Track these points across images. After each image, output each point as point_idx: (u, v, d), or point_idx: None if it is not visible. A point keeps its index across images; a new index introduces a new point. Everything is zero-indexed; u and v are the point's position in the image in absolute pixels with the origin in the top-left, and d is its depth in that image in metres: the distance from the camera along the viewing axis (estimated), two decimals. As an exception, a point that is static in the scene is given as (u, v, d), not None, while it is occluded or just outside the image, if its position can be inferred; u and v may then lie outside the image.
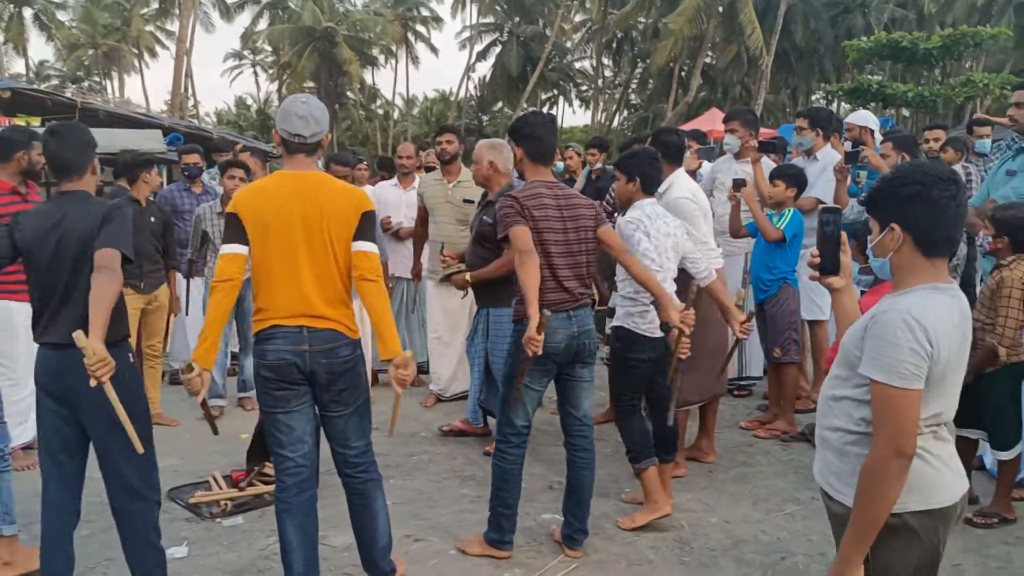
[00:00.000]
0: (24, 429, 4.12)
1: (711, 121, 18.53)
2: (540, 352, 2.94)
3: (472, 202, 5.51)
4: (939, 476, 1.88)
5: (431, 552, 3.41)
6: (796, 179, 4.87)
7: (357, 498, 2.94)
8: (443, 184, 5.51)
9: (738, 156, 5.40)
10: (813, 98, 39.28)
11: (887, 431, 1.78)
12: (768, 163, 5.38)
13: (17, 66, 43.65)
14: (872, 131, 5.63)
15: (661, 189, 4.04)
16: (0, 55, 38.25)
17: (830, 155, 5.29)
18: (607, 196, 6.19)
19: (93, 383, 2.43)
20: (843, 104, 27.61)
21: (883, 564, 1.88)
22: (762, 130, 6.84)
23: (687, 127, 12.79)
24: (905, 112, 27.92)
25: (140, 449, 2.64)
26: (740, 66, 35.86)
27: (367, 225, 2.80)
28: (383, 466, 3.21)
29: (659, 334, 3.55)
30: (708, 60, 36.49)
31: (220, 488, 4.02)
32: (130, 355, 2.88)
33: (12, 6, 41.31)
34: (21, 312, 3.83)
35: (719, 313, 3.83)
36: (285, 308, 2.71)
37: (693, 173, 5.31)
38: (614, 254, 3.36)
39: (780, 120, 32.10)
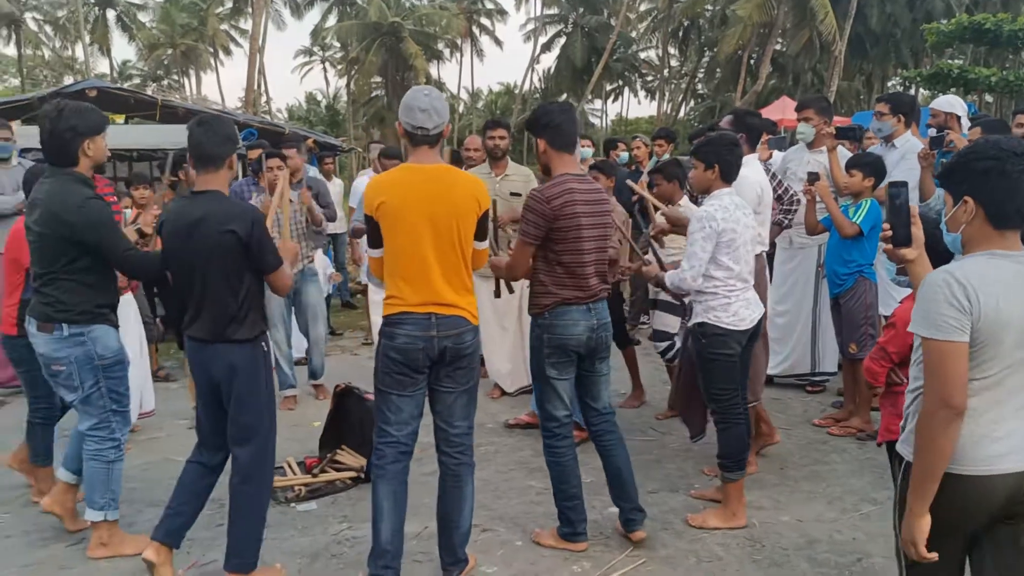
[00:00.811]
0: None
1: (781, 110, 18.08)
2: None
3: (519, 195, 5.52)
4: (976, 441, 1.89)
5: (498, 542, 3.44)
6: (874, 168, 4.69)
7: (450, 479, 3.03)
8: (491, 178, 5.54)
9: (811, 145, 5.25)
10: (889, 84, 37.93)
11: (933, 383, 1.87)
12: (844, 152, 5.22)
13: (102, 66, 45.63)
14: (959, 117, 5.39)
15: None
16: (87, 55, 39.92)
17: (910, 143, 5.09)
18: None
19: None
20: (922, 90, 26.55)
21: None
22: (835, 118, 6.63)
23: (757, 116, 12.42)
24: (988, 98, 26.73)
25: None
26: (812, 52, 34.86)
27: (484, 223, 2.96)
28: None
29: (744, 326, 3.47)
30: (778, 47, 35.55)
31: (294, 474, 4.14)
32: (264, 345, 3.06)
33: (97, 8, 43.12)
34: (125, 301, 4.06)
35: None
36: (415, 296, 2.84)
37: (763, 163, 5.18)
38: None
39: (853, 108, 31.13)
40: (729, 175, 3.54)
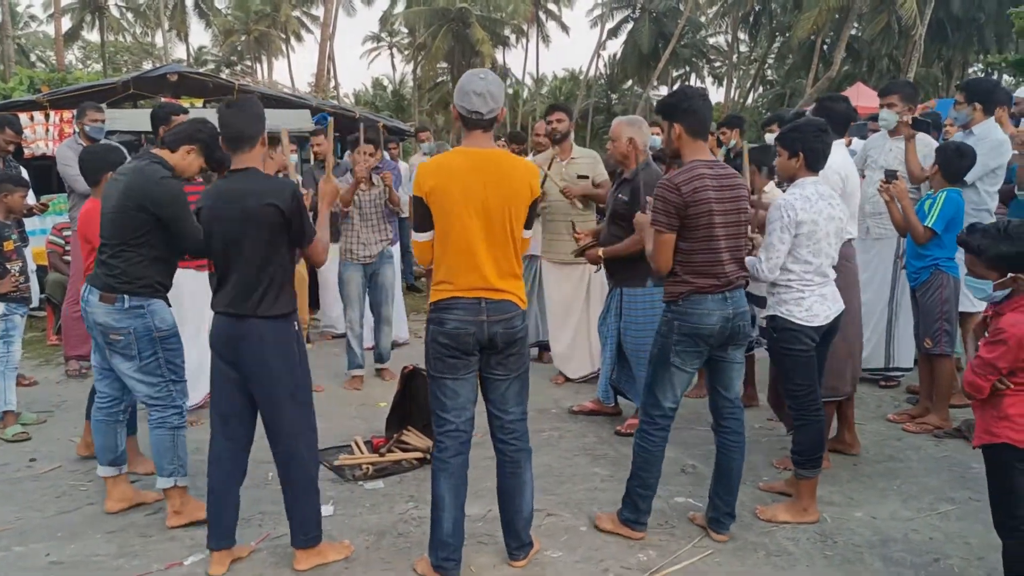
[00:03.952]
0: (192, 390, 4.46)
1: (855, 96, 17.41)
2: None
3: (587, 178, 5.48)
4: None
5: (562, 527, 3.43)
6: (940, 155, 4.47)
7: (508, 466, 3.02)
8: (557, 162, 5.51)
9: (892, 133, 5.06)
10: (970, 71, 36.28)
11: None
12: (928, 141, 5.01)
13: (179, 51, 47.06)
14: None
15: None
16: (165, 41, 41.21)
17: (990, 130, 4.86)
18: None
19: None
20: (1006, 77, 25.32)
21: None
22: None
23: (832, 103, 12.03)
24: (1081, 85, 25.29)
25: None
26: (890, 37, 33.58)
27: (533, 211, 2.93)
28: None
29: (818, 322, 3.36)
30: (853, 32, 34.33)
31: (362, 452, 4.21)
32: (296, 324, 3.08)
33: (176, -6, 44.45)
34: (185, 277, 4.15)
35: (857, 313, 3.87)
36: (465, 281, 2.82)
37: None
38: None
39: (931, 95, 29.84)
40: (815, 163, 3.40)
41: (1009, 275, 2.60)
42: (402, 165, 8.97)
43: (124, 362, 3.38)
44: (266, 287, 2.93)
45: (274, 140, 5.49)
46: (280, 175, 4.81)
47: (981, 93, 4.99)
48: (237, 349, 2.97)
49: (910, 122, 4.82)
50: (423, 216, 2.86)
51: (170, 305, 3.48)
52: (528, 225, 2.93)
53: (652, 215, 3.11)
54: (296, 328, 3.06)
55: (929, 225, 4.36)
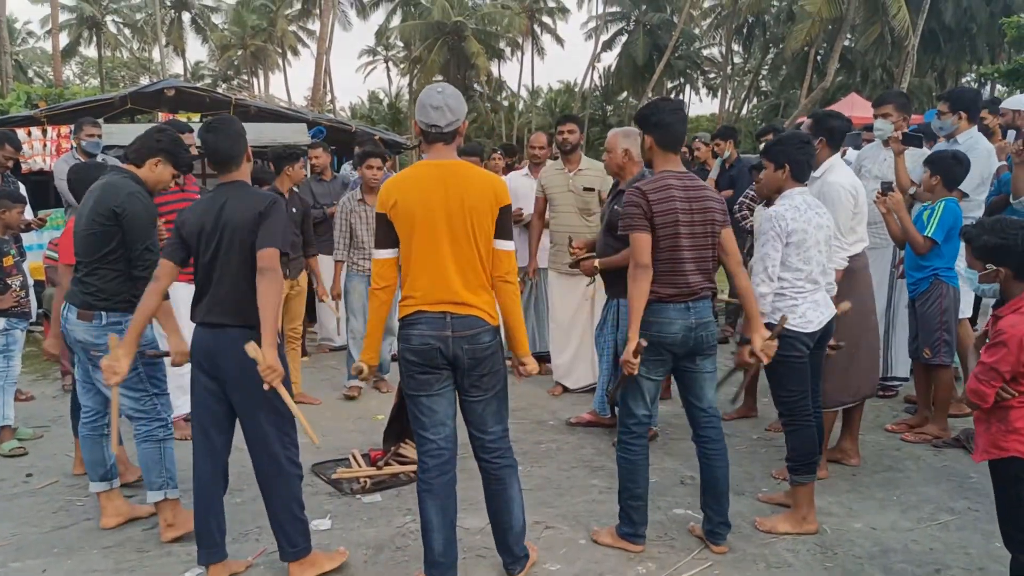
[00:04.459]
0: (186, 401, 4.44)
1: (850, 107, 17.51)
2: (636, 373, 3.10)
3: (592, 190, 5.50)
4: None
5: (562, 540, 3.42)
6: (939, 165, 4.49)
7: (493, 483, 2.99)
8: (564, 173, 5.53)
9: (887, 143, 5.08)
10: (963, 81, 36.47)
11: None
12: (916, 153, 5.02)
13: (176, 67, 47.22)
14: None
15: (817, 173, 3.87)
16: (163, 57, 41.35)
17: (974, 139, 4.90)
18: (747, 192, 5.99)
19: (266, 387, 2.73)
20: (999, 87, 25.48)
21: None
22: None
23: (826, 114, 12.09)
24: (1073, 94, 25.41)
25: (315, 441, 2.91)
26: (883, 48, 33.77)
27: (505, 220, 2.86)
28: (511, 453, 3.24)
29: (812, 328, 3.39)
30: (847, 43, 34.53)
31: (359, 466, 4.20)
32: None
33: (173, 11, 44.63)
34: (180, 290, 4.14)
35: (873, 314, 3.84)
36: (429, 295, 2.79)
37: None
38: (725, 260, 3.24)
39: (924, 105, 29.98)
40: (801, 174, 3.47)
41: (991, 267, 2.63)
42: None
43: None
44: (246, 297, 2.88)
45: (294, 156, 5.52)
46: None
47: (963, 102, 5.03)
48: (216, 359, 2.95)
49: (900, 137, 4.85)
50: (385, 233, 2.82)
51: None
52: (503, 235, 2.85)
53: (624, 220, 3.14)
54: (279, 341, 3.01)
55: (929, 235, 4.37)
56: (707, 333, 3.20)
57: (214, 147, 3.02)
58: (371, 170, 5.51)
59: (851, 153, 5.69)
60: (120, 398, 3.36)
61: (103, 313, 3.33)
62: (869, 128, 5.84)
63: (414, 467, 4.09)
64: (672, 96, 44.12)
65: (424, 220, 2.76)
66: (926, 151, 5.06)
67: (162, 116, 8.97)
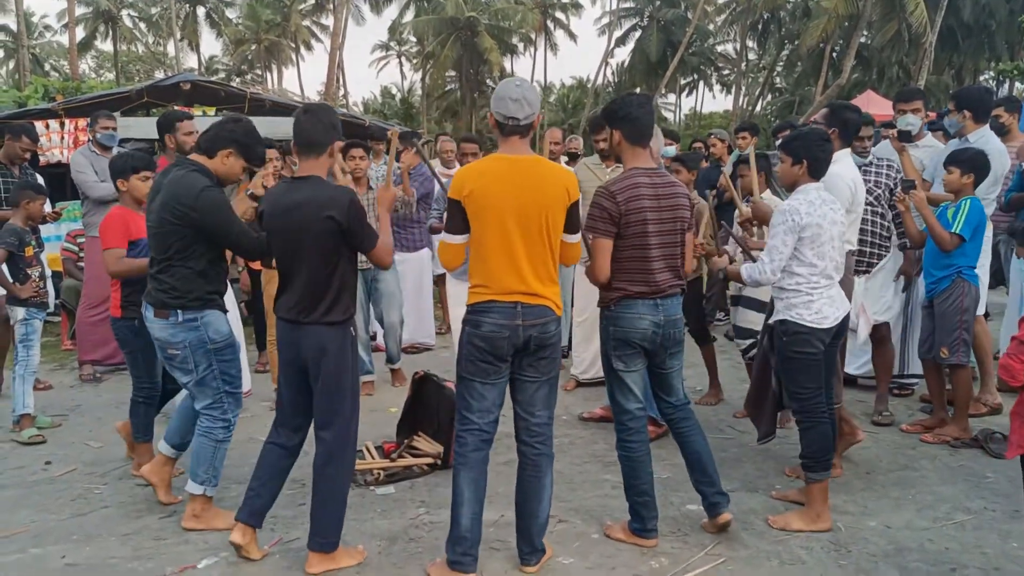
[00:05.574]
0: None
1: (867, 104, 17.40)
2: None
3: None
4: None
5: (574, 534, 3.43)
6: (972, 164, 4.45)
7: (530, 469, 3.04)
8: (601, 168, 5.51)
9: (914, 138, 5.07)
10: (981, 78, 36.17)
11: None
12: (940, 145, 5.01)
13: (190, 61, 47.45)
14: None
15: None
16: (177, 51, 41.55)
17: (985, 138, 4.88)
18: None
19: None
20: (1017, 85, 25.25)
21: None
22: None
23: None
24: (1092, 92, 25.17)
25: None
26: (899, 45, 33.54)
27: (574, 215, 2.96)
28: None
29: (827, 324, 3.39)
30: (863, 39, 34.30)
31: (373, 458, 4.22)
32: (353, 329, 3.12)
33: (188, 5, 44.83)
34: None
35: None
36: (502, 284, 2.87)
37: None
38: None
39: (942, 103, 29.75)
40: (818, 171, 3.45)
41: None
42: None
43: (183, 376, 3.42)
44: (325, 295, 2.98)
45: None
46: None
47: (969, 101, 5.02)
48: (298, 352, 3.04)
49: (896, 135, 4.85)
50: (459, 219, 2.90)
51: (227, 311, 3.48)
52: (573, 229, 2.97)
53: (588, 221, 3.16)
54: (353, 334, 3.11)
55: (956, 231, 4.34)
56: (675, 330, 3.25)
57: (305, 128, 3.03)
58: (353, 160, 5.44)
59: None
60: (189, 392, 3.46)
61: (178, 311, 3.30)
62: (888, 125, 5.80)
63: (427, 460, 4.14)
64: (684, 92, 44.00)
65: (497, 213, 2.83)
66: (944, 148, 5.03)
67: (170, 109, 9.04)
